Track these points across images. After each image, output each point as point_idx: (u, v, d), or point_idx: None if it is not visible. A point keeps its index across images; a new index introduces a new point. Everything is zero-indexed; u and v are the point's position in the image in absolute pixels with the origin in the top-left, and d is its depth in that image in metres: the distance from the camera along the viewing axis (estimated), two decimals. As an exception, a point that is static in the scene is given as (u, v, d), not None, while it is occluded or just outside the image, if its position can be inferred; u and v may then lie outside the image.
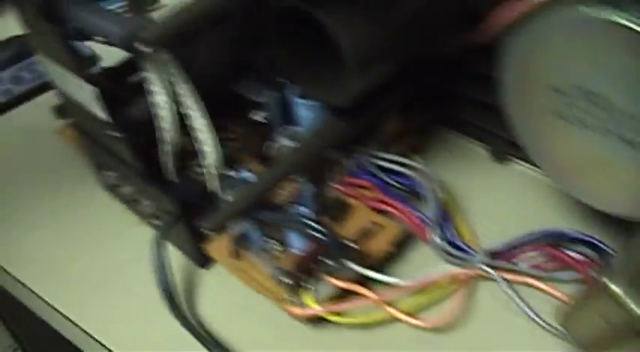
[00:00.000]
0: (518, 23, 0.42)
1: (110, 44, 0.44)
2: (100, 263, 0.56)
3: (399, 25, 0.47)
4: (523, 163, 0.57)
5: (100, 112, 0.50)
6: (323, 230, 0.46)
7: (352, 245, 0.47)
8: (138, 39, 0.38)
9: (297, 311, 0.47)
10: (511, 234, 0.49)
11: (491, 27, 0.45)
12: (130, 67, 0.57)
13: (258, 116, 0.55)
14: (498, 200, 0.55)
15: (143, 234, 0.55)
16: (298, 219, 0.47)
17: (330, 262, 0.47)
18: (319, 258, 0.47)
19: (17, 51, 0.79)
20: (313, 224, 0.46)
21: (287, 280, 0.47)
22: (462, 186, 0.55)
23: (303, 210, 0.49)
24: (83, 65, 0.48)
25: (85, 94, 0.49)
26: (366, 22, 0.45)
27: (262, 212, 0.49)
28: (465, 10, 0.50)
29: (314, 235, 0.46)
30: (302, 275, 0.47)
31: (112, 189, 0.58)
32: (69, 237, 0.59)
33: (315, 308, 0.46)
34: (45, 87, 0.75)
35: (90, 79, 0.48)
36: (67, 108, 0.58)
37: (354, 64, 0.45)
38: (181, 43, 0.39)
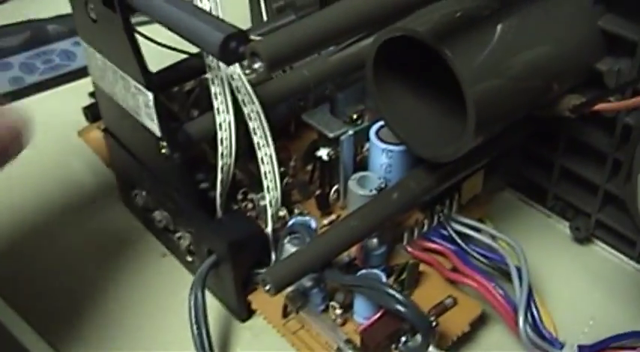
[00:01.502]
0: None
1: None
2: (120, 298, 0.48)
3: (522, 85, 0.40)
4: (605, 246, 0.50)
5: (150, 123, 0.42)
6: (402, 299, 0.39)
7: (433, 321, 0.39)
8: (247, 52, 0.31)
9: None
10: (595, 328, 0.45)
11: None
12: (182, 73, 0.50)
13: (323, 153, 0.48)
14: (580, 286, 0.49)
15: (167, 267, 0.49)
16: (373, 283, 0.40)
17: (402, 338, 0.40)
18: (389, 330, 0.40)
19: (31, 36, 0.71)
20: (392, 291, 0.39)
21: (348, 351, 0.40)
22: (540, 264, 0.48)
23: (373, 272, 0.42)
24: (143, 63, 0.40)
25: (138, 101, 0.42)
26: (493, 77, 0.38)
27: (326, 269, 0.41)
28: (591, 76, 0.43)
29: (390, 304, 0.39)
30: (367, 347, 0.40)
31: (139, 210, 0.50)
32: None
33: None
34: (60, 79, 0.68)
35: (148, 84, 0.41)
36: (101, 112, 0.50)
37: (477, 121, 0.38)
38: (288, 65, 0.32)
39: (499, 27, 0.41)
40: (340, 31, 0.32)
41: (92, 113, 0.56)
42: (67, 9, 0.45)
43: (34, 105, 0.61)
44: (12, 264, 0.50)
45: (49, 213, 0.54)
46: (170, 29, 0.37)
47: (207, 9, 0.43)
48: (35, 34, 0.70)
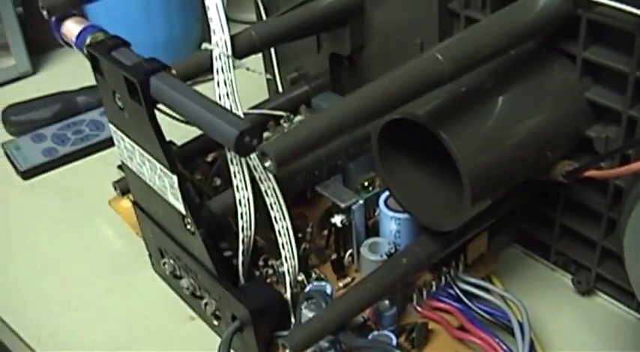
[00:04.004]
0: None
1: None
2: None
3: (516, 157, 0.44)
4: (608, 298, 0.53)
5: (176, 202, 0.46)
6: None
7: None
8: (257, 150, 0.35)
9: None
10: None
11: (629, 170, 0.41)
12: (205, 145, 0.54)
13: (337, 220, 0.51)
14: (583, 337, 0.51)
15: (196, 329, 0.52)
16: (384, 346, 0.43)
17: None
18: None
19: (62, 108, 0.76)
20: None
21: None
22: (545, 317, 0.52)
23: (384, 334, 0.45)
24: (170, 151, 0.44)
25: (164, 182, 0.46)
26: (488, 151, 0.42)
27: (341, 332, 0.44)
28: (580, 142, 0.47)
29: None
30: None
31: (169, 277, 0.54)
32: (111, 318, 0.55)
33: None
34: (90, 149, 0.72)
35: (173, 167, 0.45)
36: (130, 186, 0.54)
37: (473, 195, 0.41)
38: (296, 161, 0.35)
39: (493, 103, 0.44)
40: (344, 127, 0.35)
41: (121, 187, 0.60)
42: (93, 80, 0.48)
43: (67, 175, 0.66)
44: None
45: (82, 277, 0.58)
46: (190, 123, 0.41)
47: (224, 93, 0.47)
48: (66, 105, 0.75)
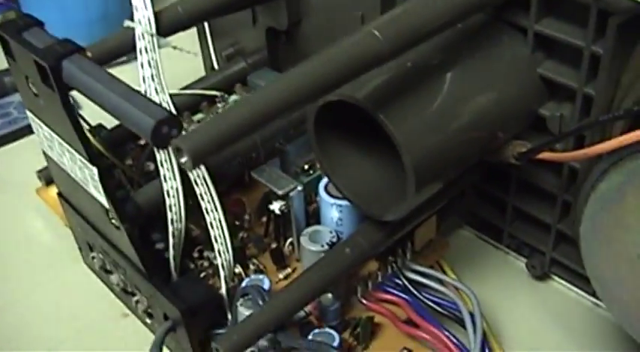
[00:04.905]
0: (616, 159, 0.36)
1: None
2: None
3: (464, 139, 0.41)
4: (563, 282, 0.50)
5: (98, 195, 0.42)
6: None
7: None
8: (172, 147, 0.31)
9: None
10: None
11: (586, 154, 0.38)
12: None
13: (276, 207, 0.48)
14: (538, 323, 0.49)
15: (129, 327, 0.49)
16: (324, 348, 0.40)
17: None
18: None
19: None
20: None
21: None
22: (498, 303, 0.49)
23: (327, 332, 0.42)
24: (88, 141, 0.40)
25: (85, 173, 0.42)
26: (434, 135, 0.39)
27: (279, 332, 0.41)
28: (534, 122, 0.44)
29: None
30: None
31: (100, 272, 0.51)
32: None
33: None
34: (19, 133, 0.67)
35: (92, 158, 0.41)
36: (53, 177, 0.50)
37: (417, 183, 0.38)
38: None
39: (439, 81, 0.41)
40: (269, 117, 0.32)
41: (45, 177, 0.56)
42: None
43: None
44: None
45: (8, 272, 0.55)
46: (105, 110, 0.37)
47: (149, 75, 0.43)
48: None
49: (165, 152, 0.42)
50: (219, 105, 0.53)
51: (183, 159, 0.30)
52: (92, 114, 0.45)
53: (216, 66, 0.60)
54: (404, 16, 0.37)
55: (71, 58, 0.38)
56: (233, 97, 0.53)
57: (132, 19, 0.45)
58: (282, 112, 0.32)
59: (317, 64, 0.34)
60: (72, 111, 0.40)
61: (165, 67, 0.44)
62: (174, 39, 0.47)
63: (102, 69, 0.38)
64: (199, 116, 0.52)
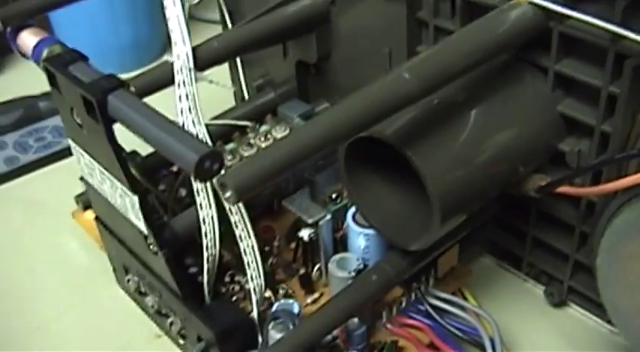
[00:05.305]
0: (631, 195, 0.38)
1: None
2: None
3: (487, 173, 0.43)
4: (580, 309, 0.52)
5: (137, 222, 0.45)
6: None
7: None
8: (217, 181, 0.33)
9: None
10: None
11: (602, 190, 0.40)
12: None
13: (305, 234, 0.50)
14: (555, 349, 0.51)
15: (162, 348, 0.51)
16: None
17: None
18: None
19: (24, 114, 0.73)
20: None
21: None
22: (517, 329, 0.51)
23: (353, 354, 0.44)
24: (129, 171, 0.43)
25: (125, 201, 0.44)
26: (459, 169, 0.41)
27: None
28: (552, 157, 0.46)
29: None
30: None
31: (135, 295, 0.53)
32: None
33: None
34: (54, 157, 0.69)
35: (133, 187, 0.43)
36: (91, 202, 0.52)
37: (442, 215, 0.40)
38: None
39: (464, 118, 0.43)
40: (308, 154, 0.34)
41: (83, 201, 0.58)
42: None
43: (29, 185, 0.65)
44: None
45: (44, 292, 0.57)
46: (148, 143, 0.39)
47: (187, 108, 0.46)
48: (28, 111, 0.72)
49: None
50: (250, 135, 0.55)
51: (227, 194, 0.32)
52: (125, 139, 0.47)
53: (246, 96, 0.62)
54: (432, 59, 0.39)
55: (116, 93, 0.40)
56: (264, 127, 0.55)
57: (170, 54, 0.47)
58: (319, 150, 0.34)
59: (352, 104, 0.36)
60: (115, 143, 0.42)
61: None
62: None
63: (144, 103, 0.40)
64: (231, 145, 0.54)
